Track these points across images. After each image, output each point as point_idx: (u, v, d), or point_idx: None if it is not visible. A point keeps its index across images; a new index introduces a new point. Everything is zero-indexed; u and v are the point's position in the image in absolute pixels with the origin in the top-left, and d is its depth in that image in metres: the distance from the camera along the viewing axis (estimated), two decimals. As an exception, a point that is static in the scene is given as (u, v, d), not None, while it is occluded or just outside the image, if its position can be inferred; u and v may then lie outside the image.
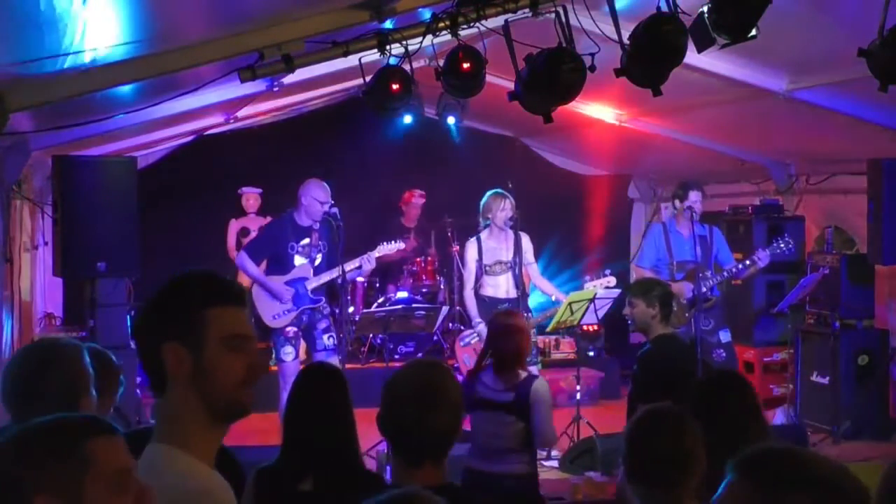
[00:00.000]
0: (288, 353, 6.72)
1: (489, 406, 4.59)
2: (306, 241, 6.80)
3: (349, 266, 6.82)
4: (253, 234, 9.59)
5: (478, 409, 4.60)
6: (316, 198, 6.66)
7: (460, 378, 7.41)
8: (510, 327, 4.68)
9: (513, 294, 7.14)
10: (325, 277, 6.74)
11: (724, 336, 7.14)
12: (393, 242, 7.43)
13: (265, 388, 8.48)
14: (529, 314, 7.13)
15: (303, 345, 7.06)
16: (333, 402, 3.27)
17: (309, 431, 3.23)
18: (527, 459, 4.58)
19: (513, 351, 4.62)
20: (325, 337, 6.79)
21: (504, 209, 7.12)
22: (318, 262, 6.78)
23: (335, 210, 6.70)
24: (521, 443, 4.53)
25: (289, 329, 6.75)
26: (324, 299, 6.82)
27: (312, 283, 6.77)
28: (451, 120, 8.55)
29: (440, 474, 2.47)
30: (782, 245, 7.16)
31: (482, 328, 7.12)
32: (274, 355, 6.84)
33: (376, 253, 7.08)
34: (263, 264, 6.91)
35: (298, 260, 6.80)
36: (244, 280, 7.05)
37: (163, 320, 1.88)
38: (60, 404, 2.38)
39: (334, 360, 6.66)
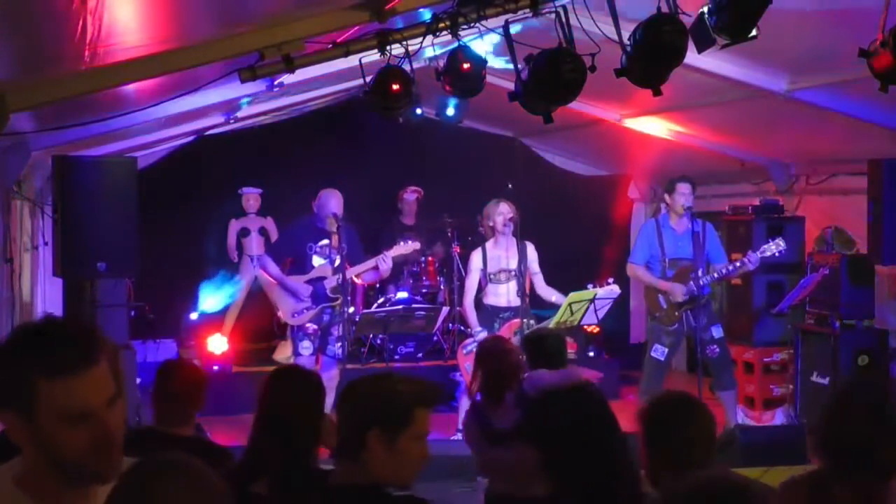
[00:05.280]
0: (306, 347, 6.94)
1: (507, 437, 4.23)
2: (325, 242, 6.99)
3: (364, 267, 7.02)
4: (253, 235, 9.63)
5: (501, 443, 4.29)
6: (327, 208, 6.89)
7: (460, 380, 7.48)
8: (500, 349, 4.61)
9: (515, 303, 7.14)
10: (342, 277, 6.85)
11: (717, 332, 7.12)
12: (409, 242, 7.55)
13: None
14: (532, 322, 7.12)
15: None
16: (294, 404, 3.21)
17: (268, 432, 3.20)
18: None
19: (507, 370, 4.49)
20: (337, 346, 6.91)
21: (500, 213, 7.13)
22: (337, 263, 6.89)
23: (334, 213, 6.83)
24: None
25: (309, 325, 6.96)
26: (342, 299, 6.90)
27: (331, 283, 6.91)
28: (450, 111, 8.58)
29: (357, 473, 2.43)
30: (773, 247, 7.00)
31: (483, 336, 7.14)
32: (291, 350, 7.07)
33: (392, 252, 7.19)
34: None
35: (317, 260, 7.00)
36: (265, 279, 7.24)
37: None
38: None
39: (334, 369, 6.88)
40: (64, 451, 1.68)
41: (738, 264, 7.07)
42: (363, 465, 2.42)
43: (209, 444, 3.72)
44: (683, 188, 7.05)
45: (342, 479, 2.46)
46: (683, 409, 2.68)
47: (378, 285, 9.68)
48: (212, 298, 9.43)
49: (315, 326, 6.95)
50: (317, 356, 7.03)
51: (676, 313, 7.08)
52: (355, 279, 7.20)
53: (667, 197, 7.22)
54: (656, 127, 8.60)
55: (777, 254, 7.05)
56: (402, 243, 7.50)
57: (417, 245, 7.74)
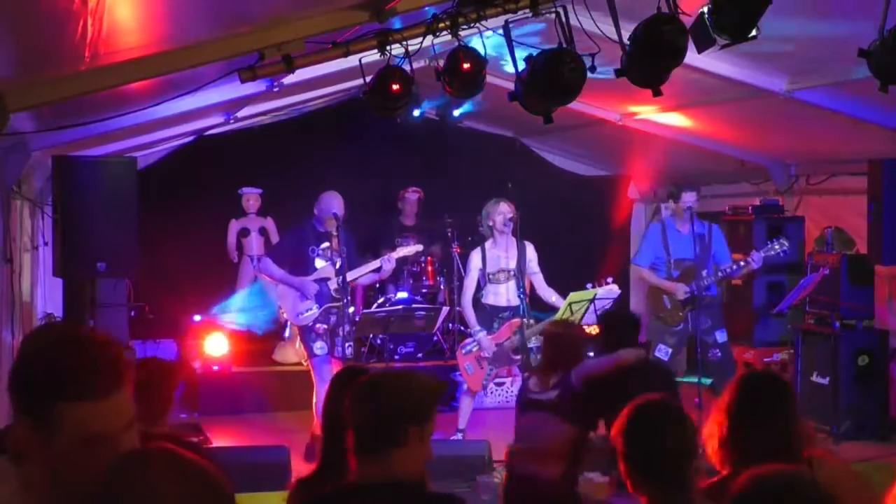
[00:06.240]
0: (320, 347, 6.97)
1: (536, 405, 4.78)
2: (326, 244, 7.03)
3: (366, 269, 7.08)
4: (253, 235, 9.63)
5: (528, 411, 4.83)
6: (328, 210, 6.90)
7: (460, 380, 7.49)
8: (567, 335, 5.00)
9: (514, 302, 7.15)
10: (343, 280, 6.88)
11: (721, 336, 7.15)
12: (411, 245, 7.62)
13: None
14: (531, 321, 7.13)
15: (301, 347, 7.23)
16: None
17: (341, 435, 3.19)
18: (569, 462, 4.71)
19: (565, 356, 4.83)
20: (346, 345, 6.94)
21: (500, 212, 7.15)
22: (338, 265, 6.94)
23: (334, 213, 6.87)
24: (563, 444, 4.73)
25: (318, 326, 6.99)
26: (348, 300, 6.92)
27: (335, 284, 6.95)
28: (457, 112, 8.70)
29: (385, 470, 2.42)
30: (776, 247, 7.10)
31: (482, 336, 7.15)
32: (305, 353, 7.11)
33: (396, 254, 7.23)
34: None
35: (319, 263, 7.03)
36: (267, 282, 7.31)
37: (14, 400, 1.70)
38: None
39: (329, 367, 6.87)
40: (73, 471, 1.68)
41: (742, 263, 7.09)
42: (390, 462, 2.41)
43: (182, 442, 3.71)
44: (689, 197, 7.12)
45: (369, 477, 2.42)
46: (661, 417, 2.65)
47: (378, 285, 9.68)
48: (238, 314, 9.36)
49: (325, 326, 6.99)
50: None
51: (680, 313, 7.12)
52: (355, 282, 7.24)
53: (671, 203, 7.29)
54: (656, 127, 8.61)
55: (781, 253, 7.10)
56: (405, 246, 7.54)
57: (420, 247, 7.81)
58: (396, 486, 2.41)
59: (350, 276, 6.92)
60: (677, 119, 8.24)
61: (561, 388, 4.72)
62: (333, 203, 6.92)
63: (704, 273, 7.06)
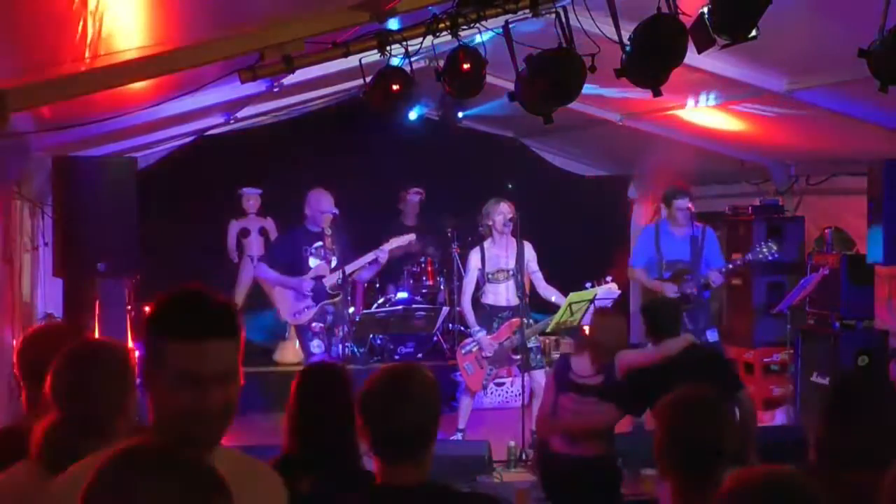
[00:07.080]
0: (316, 345, 7.03)
1: (579, 389, 4.92)
2: (319, 243, 7.07)
3: (362, 262, 7.13)
4: (253, 235, 9.64)
5: (569, 392, 4.96)
6: (318, 208, 6.93)
7: (460, 380, 7.49)
8: (608, 322, 5.15)
9: (514, 302, 7.16)
10: (343, 274, 6.92)
11: (711, 336, 7.27)
12: (404, 235, 7.61)
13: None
14: (531, 321, 7.14)
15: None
16: (336, 402, 3.23)
17: (312, 432, 3.21)
18: (607, 442, 4.90)
19: (609, 343, 4.98)
20: (342, 346, 6.98)
21: (501, 212, 7.16)
22: (333, 263, 6.98)
23: (333, 212, 6.89)
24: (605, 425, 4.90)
25: (315, 325, 7.04)
26: (341, 296, 6.95)
27: (330, 281, 6.97)
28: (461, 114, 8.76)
29: (420, 473, 2.41)
30: (764, 250, 7.20)
31: (481, 336, 7.15)
32: (302, 353, 7.19)
33: (388, 246, 7.25)
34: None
35: (313, 262, 7.08)
36: (263, 285, 7.37)
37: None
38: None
39: None
40: (165, 408, 1.91)
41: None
42: (428, 461, 2.41)
43: None
44: (680, 203, 7.24)
45: (410, 481, 2.39)
46: (694, 409, 2.67)
47: (378, 285, 9.68)
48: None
49: (321, 325, 7.02)
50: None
51: None
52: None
53: (664, 208, 7.41)
54: (656, 127, 8.60)
55: (770, 257, 7.18)
56: (396, 238, 7.54)
57: (413, 237, 7.78)
58: (441, 486, 2.42)
59: (346, 269, 6.95)
60: (677, 119, 8.24)
61: (606, 374, 4.87)
62: (323, 201, 6.95)
63: (696, 275, 7.18)
